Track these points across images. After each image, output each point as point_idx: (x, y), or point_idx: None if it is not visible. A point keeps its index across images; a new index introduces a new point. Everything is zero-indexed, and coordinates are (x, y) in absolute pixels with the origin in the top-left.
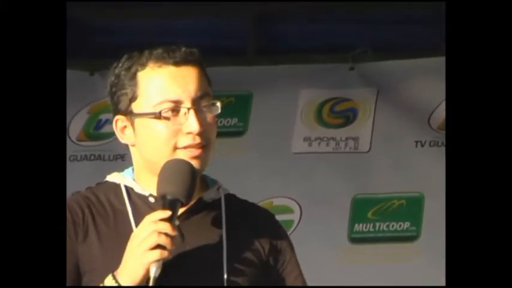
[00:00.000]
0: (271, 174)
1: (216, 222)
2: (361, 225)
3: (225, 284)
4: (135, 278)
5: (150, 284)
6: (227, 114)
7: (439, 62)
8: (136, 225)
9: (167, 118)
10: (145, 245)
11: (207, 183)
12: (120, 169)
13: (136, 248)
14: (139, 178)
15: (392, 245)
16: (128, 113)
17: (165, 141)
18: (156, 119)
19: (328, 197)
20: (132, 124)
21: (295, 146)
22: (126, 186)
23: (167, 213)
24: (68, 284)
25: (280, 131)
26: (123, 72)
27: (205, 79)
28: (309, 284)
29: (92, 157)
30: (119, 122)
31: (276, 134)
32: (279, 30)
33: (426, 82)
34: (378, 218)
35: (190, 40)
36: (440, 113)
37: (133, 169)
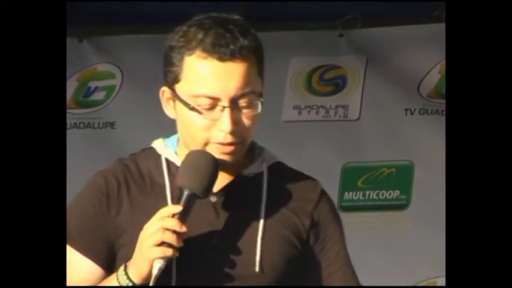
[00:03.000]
0: (261, 142)
1: (256, 198)
2: (351, 193)
3: (257, 266)
4: (140, 273)
5: (151, 283)
6: None
7: (428, 30)
8: (172, 200)
9: (200, 112)
10: (151, 241)
11: (253, 154)
12: (110, 137)
13: (143, 243)
14: (181, 151)
15: (382, 213)
16: (172, 90)
17: (198, 133)
18: (191, 110)
19: (318, 166)
20: (174, 101)
21: (285, 114)
22: (167, 159)
23: (178, 208)
24: (101, 264)
25: (270, 100)
26: (175, 50)
27: (253, 74)
28: None
29: (82, 125)
30: (165, 93)
31: (266, 103)
32: None
33: (416, 50)
34: (367, 187)
35: (179, 7)
36: (430, 81)
37: (178, 139)
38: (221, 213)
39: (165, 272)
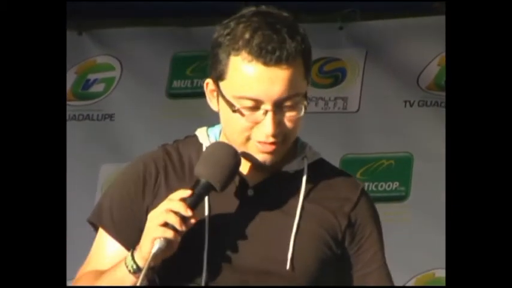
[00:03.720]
0: None
1: (294, 195)
2: None
3: (288, 264)
4: (143, 254)
5: (148, 260)
6: None
7: (428, 22)
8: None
9: (242, 114)
10: (155, 221)
11: (295, 150)
12: (109, 129)
13: (148, 222)
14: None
15: (381, 205)
16: (217, 84)
17: (239, 132)
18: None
19: None
20: (217, 95)
21: None
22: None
23: (187, 192)
24: (128, 248)
25: None
26: (222, 47)
27: (299, 77)
28: None
29: (81, 117)
30: (209, 85)
31: None
32: None
33: (415, 42)
34: (366, 178)
35: (184, 1)
36: (429, 73)
37: (221, 130)
38: (257, 207)
39: (196, 260)
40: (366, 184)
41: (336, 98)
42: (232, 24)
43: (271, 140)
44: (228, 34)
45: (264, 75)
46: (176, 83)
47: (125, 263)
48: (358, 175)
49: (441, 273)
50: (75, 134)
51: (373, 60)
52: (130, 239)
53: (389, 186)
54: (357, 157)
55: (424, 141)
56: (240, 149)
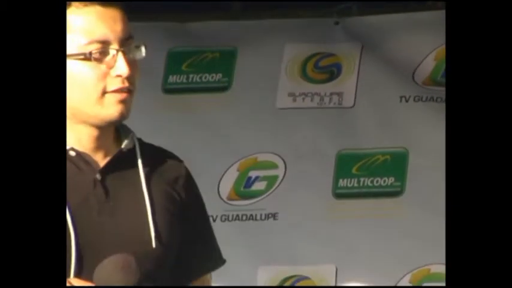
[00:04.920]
0: (255, 129)
1: (135, 172)
2: (345, 180)
3: (153, 242)
4: None
5: None
6: (212, 70)
7: (424, 17)
8: None
9: (97, 59)
10: None
11: (121, 127)
12: None
13: None
14: (72, 130)
15: (376, 200)
16: None
17: (93, 85)
18: (84, 61)
19: (312, 153)
20: None
21: (280, 101)
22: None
23: None
24: None
25: (265, 87)
26: None
27: (128, 22)
28: (294, 237)
29: None
30: None
31: (261, 90)
32: None
33: (411, 37)
34: (362, 174)
35: None
36: (425, 68)
37: None
38: (109, 190)
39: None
40: (362, 179)
41: (331, 94)
42: None
43: (126, 84)
44: None
45: (105, 14)
46: (172, 78)
47: None
48: (353, 170)
49: (436, 269)
50: None
51: (368, 55)
52: None
53: (384, 181)
54: (353, 152)
55: (420, 136)
56: (94, 112)
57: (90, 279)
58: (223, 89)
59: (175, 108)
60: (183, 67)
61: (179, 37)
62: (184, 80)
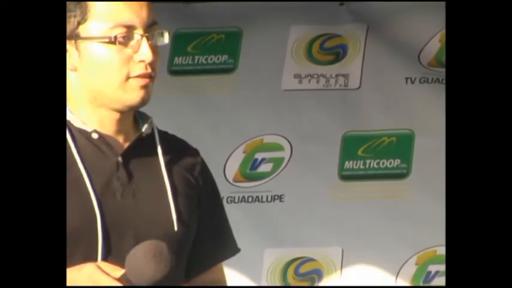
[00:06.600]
0: (261, 111)
1: (155, 157)
2: (351, 162)
3: (175, 225)
4: None
5: None
6: (217, 51)
7: None
8: (85, 166)
9: (122, 43)
10: None
11: (135, 115)
12: None
13: None
14: (78, 109)
15: (382, 182)
16: (74, 37)
17: (117, 69)
18: (109, 44)
19: (318, 135)
20: (78, 48)
21: (286, 83)
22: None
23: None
24: None
25: (271, 68)
26: None
27: (152, 8)
28: (300, 219)
29: None
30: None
31: (266, 71)
32: None
33: (416, 18)
34: (368, 155)
35: None
36: (430, 50)
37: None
38: (132, 173)
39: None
40: (368, 161)
41: (337, 75)
42: None
43: (149, 69)
44: None
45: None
46: (177, 60)
47: None
48: (359, 152)
49: (443, 251)
50: None
51: (374, 36)
52: None
53: (390, 163)
54: (359, 134)
55: (426, 118)
56: (116, 96)
57: (117, 262)
58: (228, 70)
59: (181, 89)
60: (189, 48)
61: (184, 18)
62: (190, 62)
